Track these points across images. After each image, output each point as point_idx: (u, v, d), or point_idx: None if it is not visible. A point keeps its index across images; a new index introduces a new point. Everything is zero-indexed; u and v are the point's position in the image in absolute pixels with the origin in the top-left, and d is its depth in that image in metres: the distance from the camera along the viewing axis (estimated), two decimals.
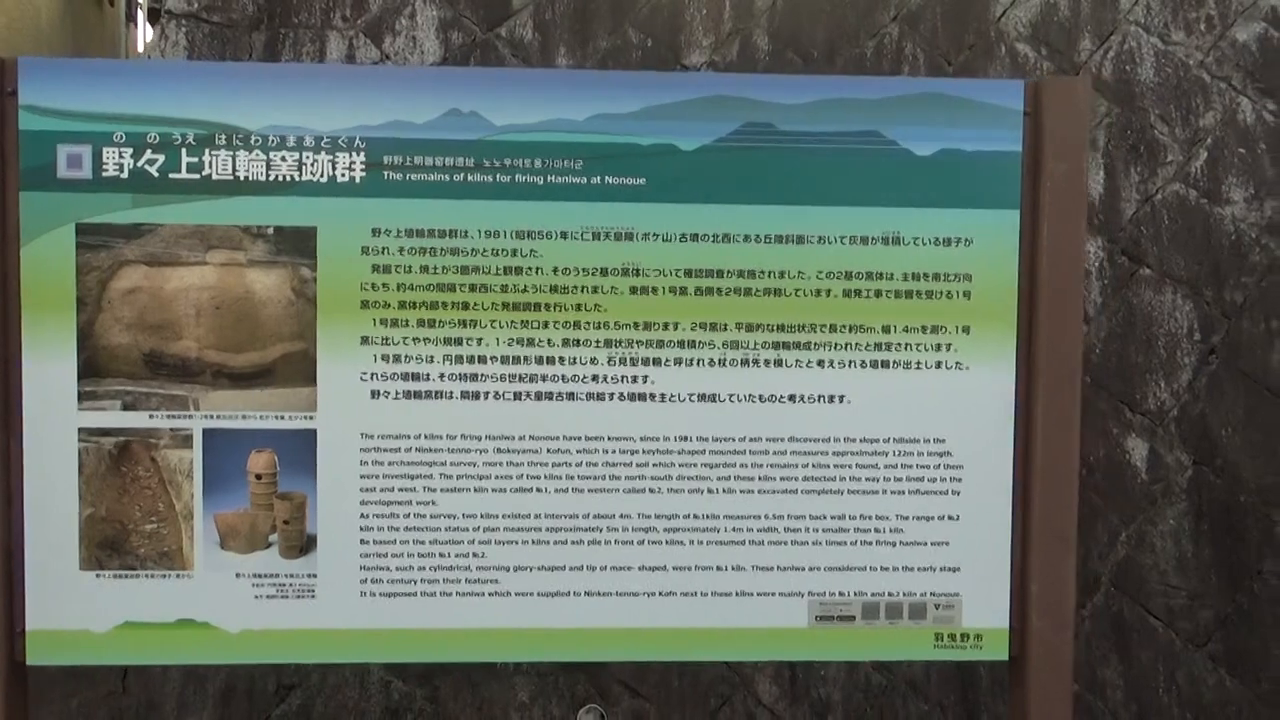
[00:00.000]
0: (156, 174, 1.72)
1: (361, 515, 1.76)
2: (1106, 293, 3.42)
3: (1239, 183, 3.52)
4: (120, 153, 1.71)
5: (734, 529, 1.80)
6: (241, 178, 1.73)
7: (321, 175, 1.74)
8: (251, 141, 1.73)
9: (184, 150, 1.72)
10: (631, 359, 1.78)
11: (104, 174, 1.72)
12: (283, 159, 1.73)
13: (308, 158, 1.73)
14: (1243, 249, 3.46)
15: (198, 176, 1.73)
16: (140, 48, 14.17)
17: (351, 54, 3.51)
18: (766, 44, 3.65)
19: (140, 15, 13.70)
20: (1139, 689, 3.13)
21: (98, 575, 1.75)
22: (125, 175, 1.72)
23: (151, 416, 1.74)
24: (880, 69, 3.61)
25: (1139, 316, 3.40)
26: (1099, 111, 3.57)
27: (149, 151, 1.72)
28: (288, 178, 1.73)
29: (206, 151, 1.73)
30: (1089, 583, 3.19)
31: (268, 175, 1.73)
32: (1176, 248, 3.46)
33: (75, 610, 1.75)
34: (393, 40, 3.56)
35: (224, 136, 1.73)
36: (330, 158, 1.74)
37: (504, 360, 1.76)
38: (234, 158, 1.73)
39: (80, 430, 1.73)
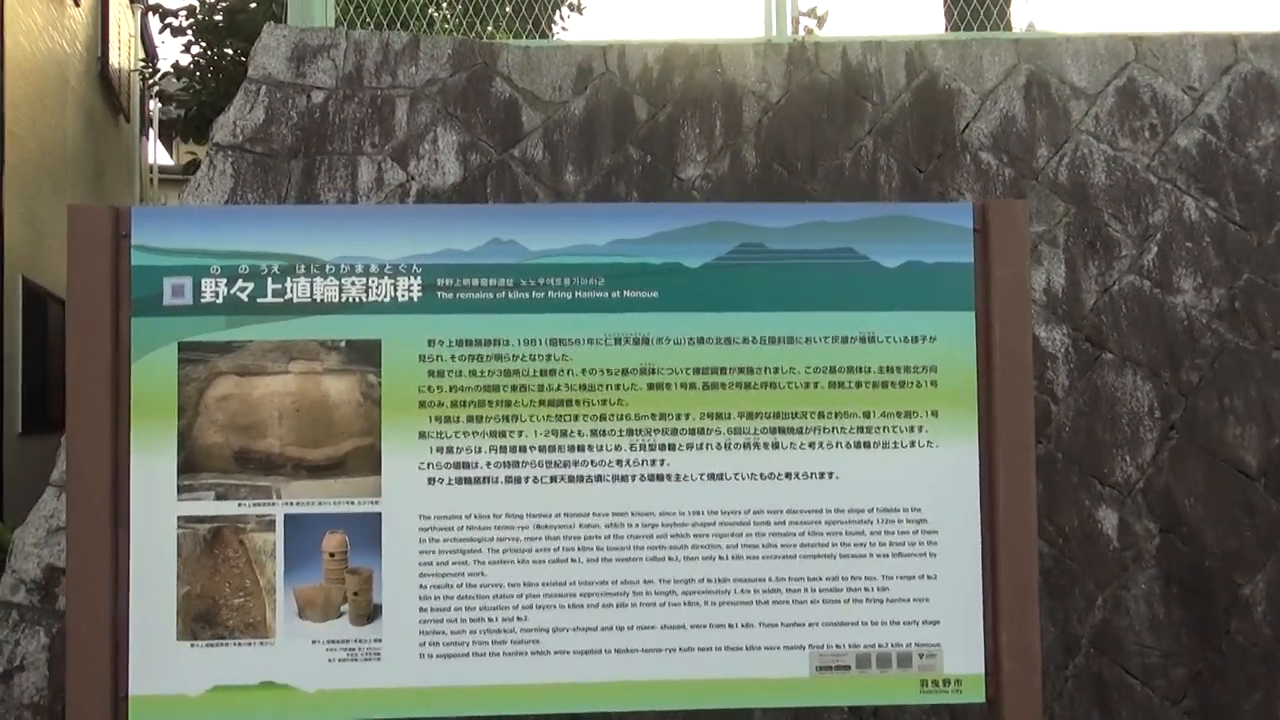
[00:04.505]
0: (246, 299, 2.03)
1: (420, 586, 2.02)
2: (1073, 375, 3.73)
3: (1188, 273, 3.87)
4: (216, 282, 2.03)
5: (742, 590, 2.06)
6: (318, 300, 2.04)
7: (385, 296, 2.05)
8: (326, 270, 2.04)
9: (269, 279, 2.04)
10: (650, 445, 2.06)
11: (202, 300, 2.03)
12: (352, 283, 2.05)
13: (373, 282, 2.05)
14: (1195, 333, 3.79)
15: (281, 300, 2.04)
16: (151, 158, 14.73)
17: (380, 177, 3.88)
18: (754, 159, 4.03)
19: (152, 131, 14.29)
20: None
21: (192, 645, 2.01)
22: (220, 301, 2.03)
23: (240, 505, 2.02)
24: (858, 178, 3.99)
25: (1104, 397, 3.71)
26: (1058, 212, 3.94)
27: (240, 280, 2.03)
28: (357, 299, 2.05)
29: (288, 279, 2.04)
30: (1070, 644, 3.43)
31: (340, 297, 2.04)
32: (1135, 333, 3.79)
33: (172, 677, 2.00)
34: (417, 163, 3.93)
35: (303, 266, 2.04)
36: (392, 281, 2.05)
37: (541, 449, 2.05)
38: (311, 284, 2.04)
39: (179, 518, 2.01)
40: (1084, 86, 4.12)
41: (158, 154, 14.93)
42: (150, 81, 9.41)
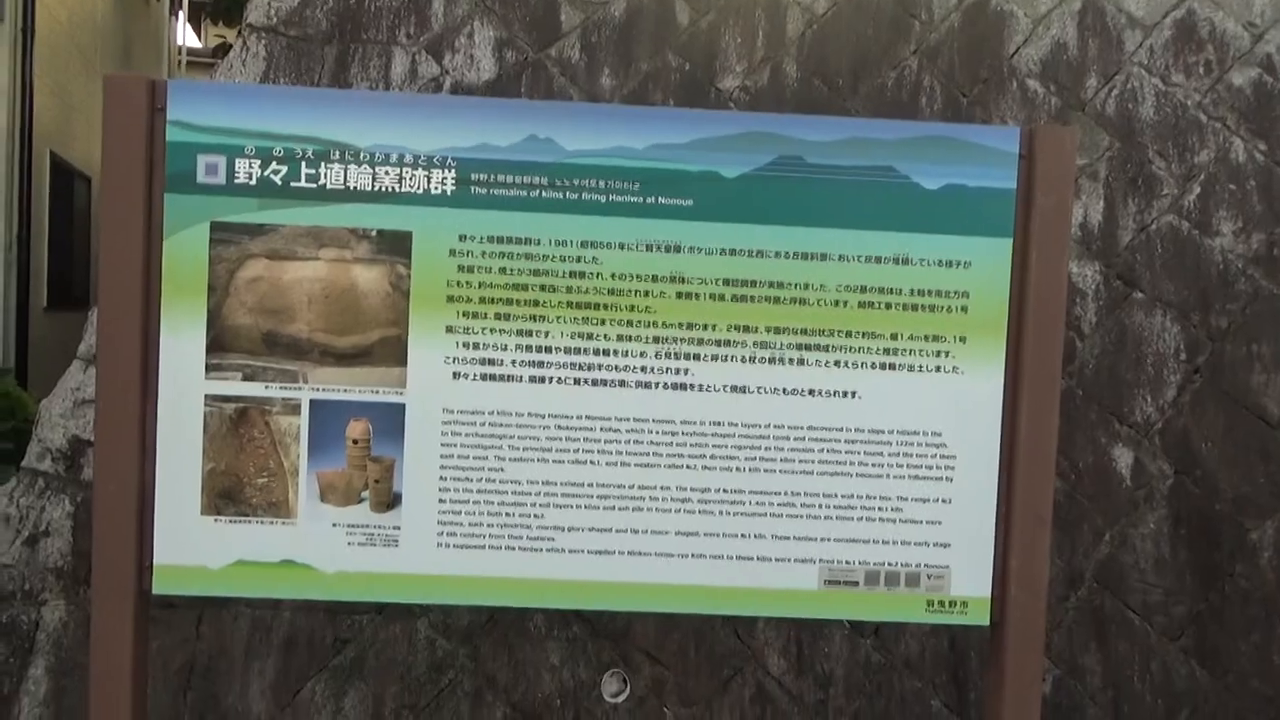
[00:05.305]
0: (280, 182, 2.02)
1: (440, 478, 2.05)
2: (1101, 313, 3.70)
3: (1229, 216, 3.80)
4: (250, 163, 2.02)
5: (757, 503, 2.08)
6: (351, 187, 2.03)
7: (418, 188, 2.03)
8: (360, 157, 2.02)
9: (304, 163, 2.02)
10: (675, 354, 2.06)
11: (235, 181, 2.02)
12: (386, 173, 2.03)
13: (407, 172, 2.03)
14: (1230, 278, 3.74)
15: (314, 185, 2.02)
16: (180, 40, 14.55)
17: (414, 69, 3.82)
18: (795, 72, 3.94)
19: (181, 11, 14.09)
20: (1116, 676, 3.41)
21: (215, 520, 2.05)
22: (253, 182, 2.02)
23: (267, 387, 2.04)
24: (900, 99, 3.91)
25: (1130, 336, 3.67)
26: (1101, 145, 3.85)
27: (274, 163, 2.02)
28: (390, 189, 2.03)
29: (322, 164, 2.02)
30: (1073, 577, 3.46)
31: (373, 186, 2.03)
32: (1168, 274, 3.74)
33: (195, 549, 2.05)
34: (452, 57, 3.87)
35: (338, 152, 2.02)
36: (426, 173, 2.03)
37: (567, 351, 2.06)
38: (345, 170, 2.03)
39: (206, 397, 2.04)
40: (1141, 16, 3.99)
41: (186, 35, 14.73)
42: None
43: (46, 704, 3.16)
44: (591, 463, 2.07)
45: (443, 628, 3.29)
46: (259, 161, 2.02)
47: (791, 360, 2.08)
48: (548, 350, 2.06)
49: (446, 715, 3.26)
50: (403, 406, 2.05)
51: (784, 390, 2.08)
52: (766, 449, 2.08)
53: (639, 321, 2.06)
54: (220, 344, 2.04)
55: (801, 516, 2.09)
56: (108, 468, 2.03)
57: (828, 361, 2.08)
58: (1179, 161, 3.84)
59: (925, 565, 2.10)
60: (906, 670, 3.39)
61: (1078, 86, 3.92)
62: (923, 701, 3.38)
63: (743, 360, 2.07)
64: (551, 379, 2.06)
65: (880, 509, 2.09)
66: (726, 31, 3.98)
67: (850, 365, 2.08)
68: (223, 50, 8.44)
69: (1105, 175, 3.82)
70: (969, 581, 2.11)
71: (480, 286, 2.04)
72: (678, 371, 2.07)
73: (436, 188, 2.04)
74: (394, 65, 3.83)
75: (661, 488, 2.08)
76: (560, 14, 3.95)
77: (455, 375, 2.05)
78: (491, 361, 2.05)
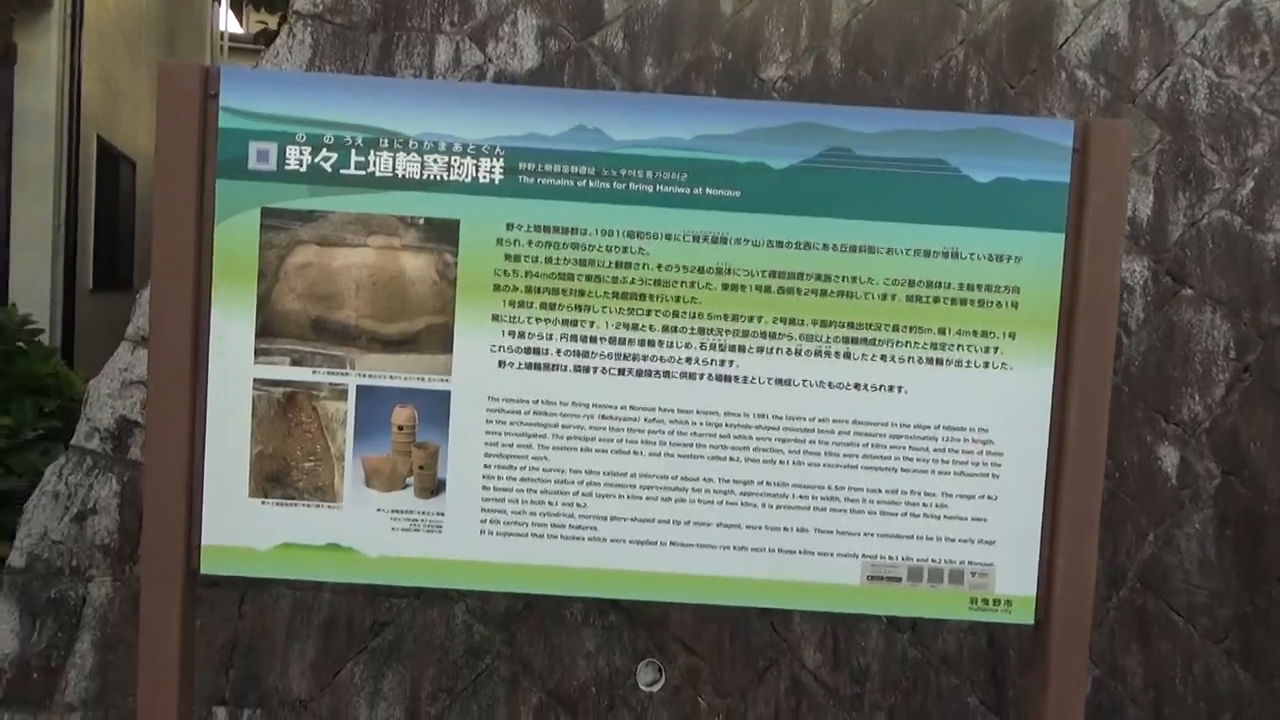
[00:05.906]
0: (330, 169, 2.03)
1: (485, 465, 2.07)
2: (1149, 309, 3.64)
3: None
4: (301, 150, 2.03)
5: (800, 496, 2.07)
6: (399, 175, 2.04)
7: (466, 176, 2.04)
8: (410, 145, 2.03)
9: (353, 150, 2.03)
10: (720, 345, 2.06)
11: (286, 167, 2.03)
12: (435, 161, 2.04)
13: (455, 161, 2.04)
14: None
15: (363, 173, 2.04)
16: (222, 25, 14.68)
17: (458, 57, 3.83)
18: (839, 62, 3.90)
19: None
20: (1158, 677, 3.36)
21: (263, 502, 2.08)
22: (304, 169, 2.03)
23: (314, 372, 2.06)
24: (946, 90, 3.86)
25: (1178, 333, 3.61)
26: (1151, 138, 3.79)
27: (325, 150, 2.03)
28: (438, 177, 2.04)
29: (372, 152, 2.03)
30: (1116, 577, 3.42)
31: (421, 174, 2.04)
32: (1218, 270, 3.67)
33: (242, 531, 2.08)
34: (495, 45, 3.87)
35: (387, 140, 2.03)
36: (474, 162, 2.04)
37: (612, 341, 2.06)
38: (394, 158, 2.04)
39: (255, 381, 2.06)
40: (1194, 6, 3.91)
41: (228, 21, 14.83)
42: None
43: (93, 678, 3.22)
44: (635, 453, 2.07)
45: (480, 613, 3.31)
46: (309, 148, 2.03)
47: (838, 353, 2.06)
48: (593, 340, 2.06)
49: (483, 700, 3.28)
50: (448, 394, 2.06)
51: (829, 383, 2.07)
52: (811, 442, 2.07)
53: (684, 312, 2.06)
54: (270, 329, 2.06)
55: (845, 511, 2.08)
56: (158, 449, 2.06)
57: (874, 355, 2.06)
58: (1231, 155, 3.77)
59: (969, 562, 2.09)
60: (944, 666, 3.36)
61: (1128, 78, 3.85)
62: (959, 699, 3.36)
63: (788, 353, 2.06)
64: (596, 369, 2.06)
65: (925, 505, 2.08)
66: (770, 21, 3.95)
67: (897, 359, 2.06)
68: (265, 36, 8.51)
69: (1155, 169, 3.75)
70: (1014, 580, 2.09)
71: (526, 275, 2.05)
72: (723, 363, 2.06)
73: (485, 177, 2.04)
74: (438, 53, 3.83)
75: (704, 479, 2.07)
76: (603, 2, 3.94)
77: (500, 364, 2.06)
78: (537, 350, 2.06)
